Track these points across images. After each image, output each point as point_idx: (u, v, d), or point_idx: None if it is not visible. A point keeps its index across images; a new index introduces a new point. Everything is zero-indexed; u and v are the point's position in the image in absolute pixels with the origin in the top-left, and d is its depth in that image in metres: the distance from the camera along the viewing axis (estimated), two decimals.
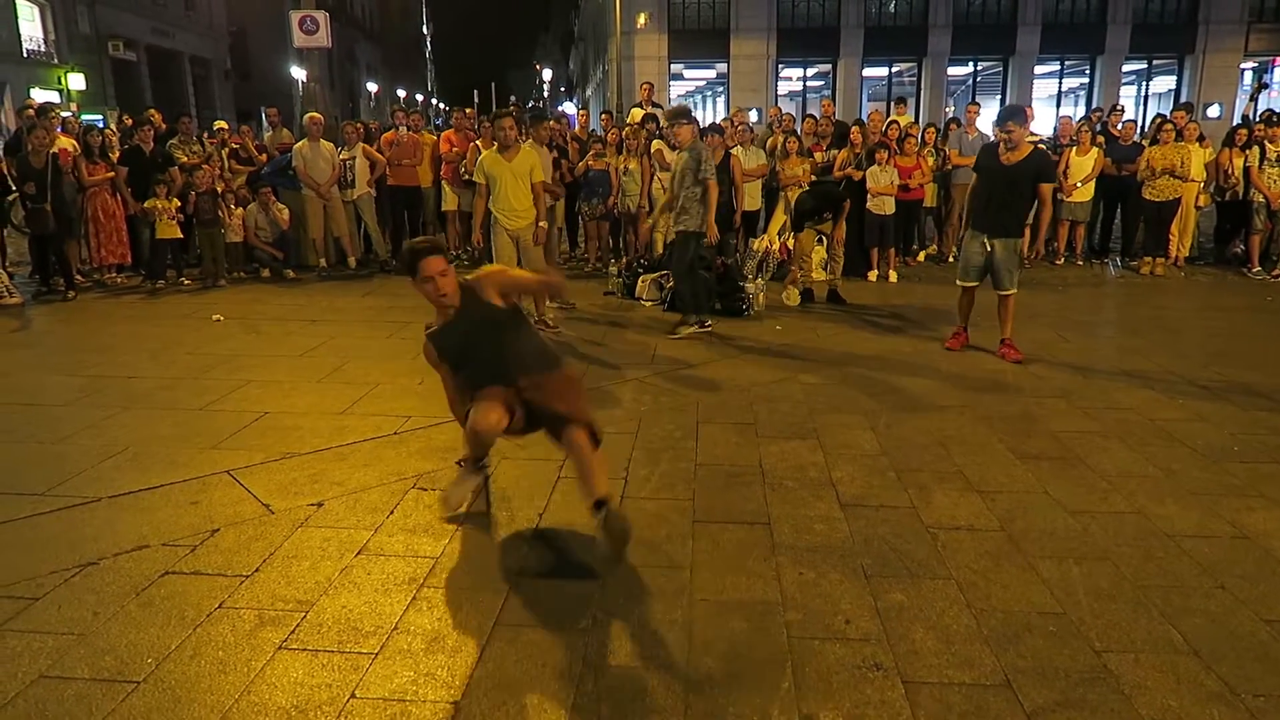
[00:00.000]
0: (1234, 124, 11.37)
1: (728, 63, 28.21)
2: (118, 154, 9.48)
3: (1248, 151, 9.70)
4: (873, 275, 9.43)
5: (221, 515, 3.77)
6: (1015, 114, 6.22)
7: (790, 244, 9.32)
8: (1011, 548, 3.47)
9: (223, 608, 3.04)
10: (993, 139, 6.86)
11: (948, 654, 2.77)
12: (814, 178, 8.86)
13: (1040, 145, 6.79)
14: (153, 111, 11.01)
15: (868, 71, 28.79)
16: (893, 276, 9.42)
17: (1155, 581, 3.20)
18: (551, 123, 11.05)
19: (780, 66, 28.60)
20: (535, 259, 6.97)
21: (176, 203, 9.05)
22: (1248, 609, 3.02)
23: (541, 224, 6.92)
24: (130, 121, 10.61)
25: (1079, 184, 9.91)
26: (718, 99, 30.25)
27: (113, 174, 9.12)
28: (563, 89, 70.49)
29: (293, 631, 2.90)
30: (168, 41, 30.52)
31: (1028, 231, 6.99)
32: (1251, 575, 3.25)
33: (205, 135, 10.98)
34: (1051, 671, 2.68)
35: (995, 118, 6.29)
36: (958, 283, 6.55)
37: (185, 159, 9.59)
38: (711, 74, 30.16)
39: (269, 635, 2.88)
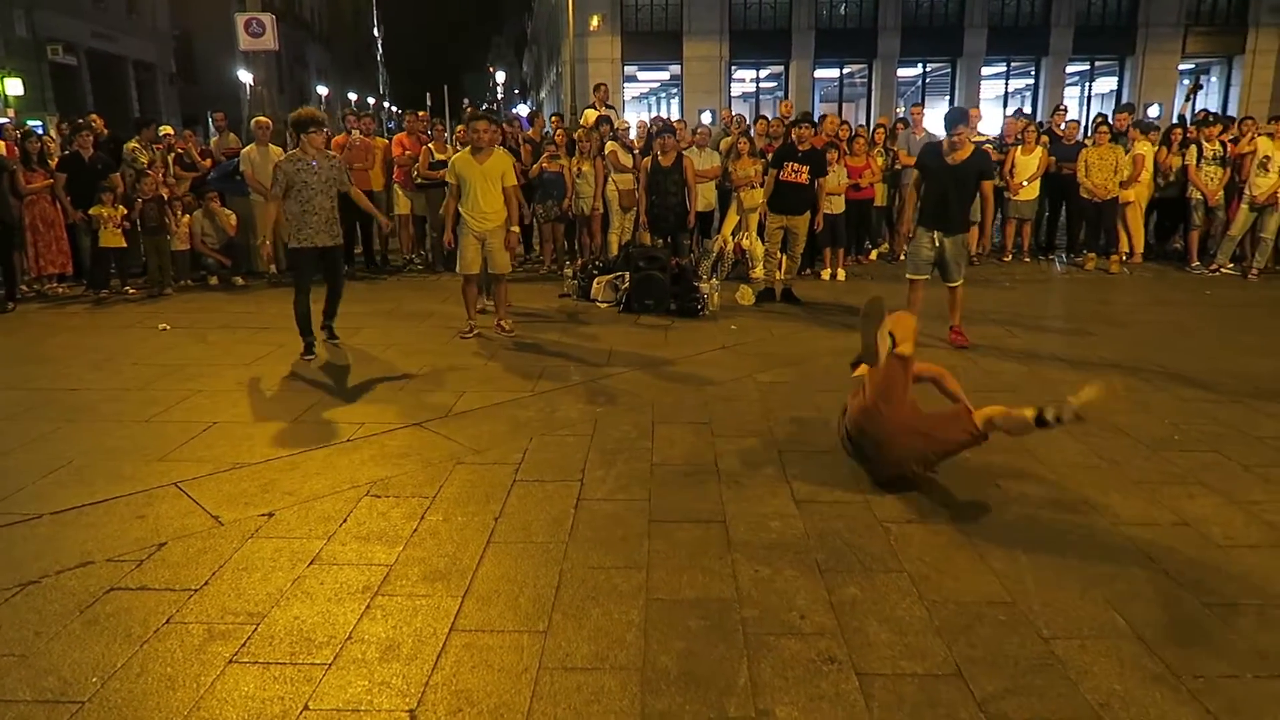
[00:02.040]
0: (1171, 123, 11.70)
1: (681, 65, 28.31)
2: (56, 161, 9.23)
3: (1185, 151, 10.00)
4: (825, 274, 9.55)
5: (169, 528, 3.69)
6: (962, 118, 6.53)
7: (744, 244, 9.40)
8: (963, 539, 3.53)
9: (170, 623, 2.97)
10: (937, 139, 7.07)
11: (901, 645, 2.81)
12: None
13: (985, 145, 7.01)
14: (94, 116, 10.74)
15: (819, 73, 29.09)
16: (841, 275, 9.54)
17: (1100, 569, 3.28)
18: (505, 125, 11.01)
19: (733, 68, 28.77)
20: (501, 262, 6.92)
21: (123, 210, 8.84)
22: (1188, 593, 3.11)
23: (514, 228, 6.89)
24: (69, 127, 10.32)
25: (1025, 183, 10.13)
26: (672, 101, 30.34)
27: (51, 181, 8.87)
28: (516, 91, 70.23)
29: (243, 645, 2.85)
30: (110, 45, 29.74)
31: (976, 228, 7.20)
32: (1191, 560, 3.35)
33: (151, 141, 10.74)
34: (1001, 659, 2.73)
35: (944, 121, 6.53)
36: (907, 276, 6.79)
37: (145, 161, 9.38)
38: (665, 76, 30.24)
39: (219, 649, 2.82)
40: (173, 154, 10.19)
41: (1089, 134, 10.80)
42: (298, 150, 6.55)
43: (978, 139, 10.23)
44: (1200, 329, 7.41)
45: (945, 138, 6.49)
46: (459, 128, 10.18)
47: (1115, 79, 29.47)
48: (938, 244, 6.54)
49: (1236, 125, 11.01)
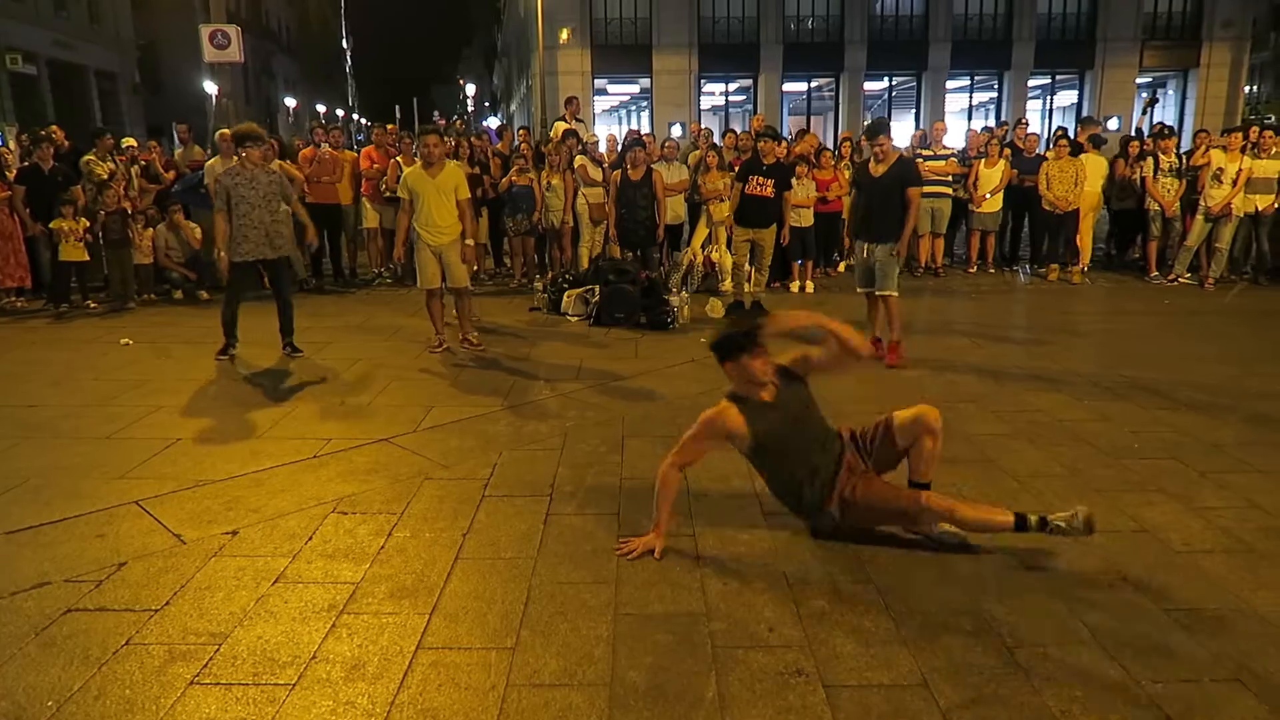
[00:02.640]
0: (1129, 135, 11.96)
1: (650, 78, 28.48)
2: (14, 172, 9.07)
3: (1141, 164, 10.22)
4: (795, 286, 9.62)
5: (129, 548, 3.62)
6: (883, 128, 6.64)
7: (714, 256, 9.45)
8: (928, 550, 3.56)
9: (130, 644, 2.92)
10: (900, 151, 7.13)
11: (867, 657, 2.84)
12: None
13: (905, 154, 7.12)
14: (54, 128, 10.58)
15: (787, 86, 29.40)
16: (810, 287, 9.62)
17: (1062, 577, 3.33)
18: (474, 139, 11.00)
19: (702, 81, 29.00)
20: (458, 275, 6.91)
21: (85, 223, 8.70)
22: (1148, 599, 3.17)
23: (468, 241, 6.88)
24: (27, 140, 10.15)
25: (988, 195, 10.29)
26: (641, 114, 30.49)
27: (9, 193, 8.71)
28: (487, 104, 70.13)
29: (205, 665, 2.80)
30: (71, 54, 29.29)
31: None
32: (1150, 566, 3.41)
33: (115, 152, 10.59)
34: (966, 669, 2.76)
35: (864, 131, 6.67)
36: (857, 290, 6.89)
37: (103, 174, 9.23)
38: (635, 89, 30.39)
39: (179, 671, 2.78)
40: (136, 166, 10.05)
41: (1049, 146, 11.00)
42: (236, 164, 6.62)
43: (943, 152, 10.42)
44: (1159, 337, 7.57)
45: (873, 150, 6.51)
46: (405, 142, 10.17)
47: (1076, 92, 30.10)
48: (868, 255, 6.60)
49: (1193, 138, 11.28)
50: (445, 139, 7.30)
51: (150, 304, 9.11)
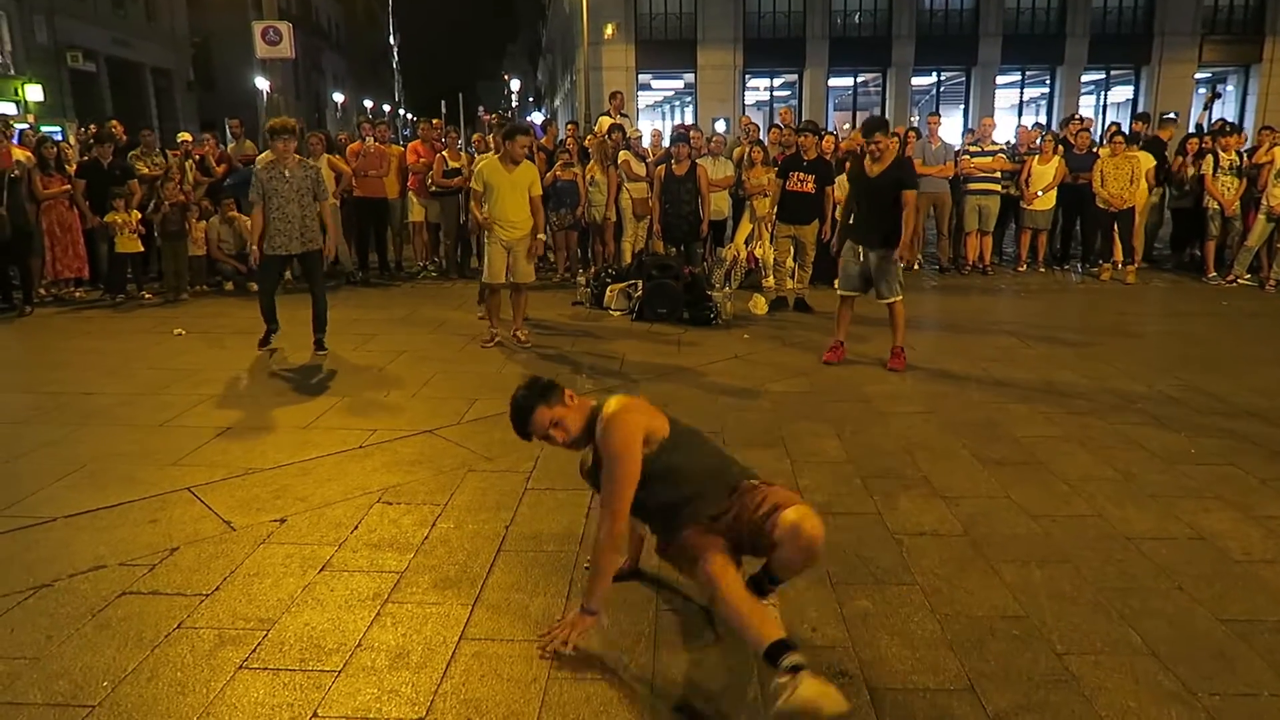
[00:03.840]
0: (1188, 133, 11.63)
1: (695, 73, 28.38)
2: (75, 166, 9.33)
3: (1200, 161, 9.93)
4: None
5: (181, 533, 3.70)
6: (881, 125, 6.27)
7: (758, 252, 9.39)
8: (975, 553, 3.50)
9: (181, 628, 2.98)
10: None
11: (912, 660, 2.79)
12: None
13: (906, 154, 6.69)
14: (114, 124, 10.85)
15: (833, 81, 29.10)
16: None
17: (1114, 583, 3.25)
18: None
19: (747, 77, 28.83)
20: (524, 271, 6.93)
21: (137, 215, 8.92)
22: (1204, 609, 3.08)
23: (540, 236, 6.91)
24: (95, 130, 10.42)
25: (1040, 192, 10.08)
26: (685, 109, 30.42)
27: (68, 186, 8.96)
28: (531, 99, 70.48)
29: (254, 650, 2.85)
30: (128, 52, 30.05)
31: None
32: (1207, 575, 3.31)
33: (165, 149, 10.84)
34: (1014, 675, 2.71)
35: (861, 129, 6.32)
36: (837, 291, 6.54)
37: (147, 170, 9.45)
38: (679, 84, 30.32)
39: (229, 655, 2.83)
40: (190, 160, 10.28)
41: (1103, 143, 10.75)
42: (272, 157, 6.72)
43: (991, 148, 10.23)
44: (1216, 340, 7.35)
45: (868, 148, 6.14)
46: (475, 135, 10.25)
47: (1131, 88, 29.37)
48: (862, 258, 6.26)
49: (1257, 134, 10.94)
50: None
51: (202, 295, 9.31)
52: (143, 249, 9.07)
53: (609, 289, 8.44)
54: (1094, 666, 2.74)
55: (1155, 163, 10.22)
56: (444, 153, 9.98)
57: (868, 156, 6.17)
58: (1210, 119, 13.08)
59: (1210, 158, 9.80)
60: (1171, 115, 12.02)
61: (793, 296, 8.48)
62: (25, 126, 12.07)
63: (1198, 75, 28.16)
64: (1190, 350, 6.92)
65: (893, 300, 6.24)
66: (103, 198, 8.93)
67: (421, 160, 10.07)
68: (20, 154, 9.16)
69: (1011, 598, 3.15)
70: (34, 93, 25.37)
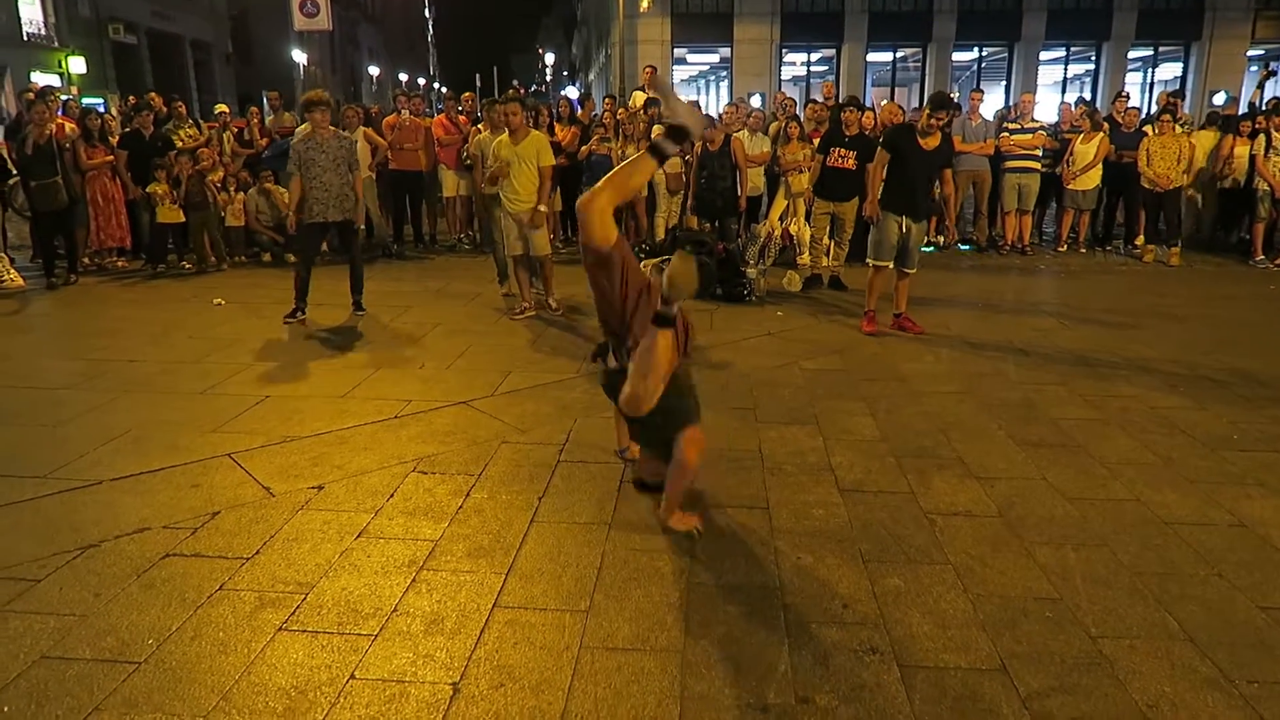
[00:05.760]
0: (1240, 112, 11.30)
1: (731, 47, 28.00)
2: (117, 138, 9.46)
3: (1253, 140, 9.66)
4: None
5: (222, 498, 3.78)
6: (950, 103, 6.47)
7: (793, 229, 9.31)
8: (1009, 534, 3.47)
9: (223, 589, 3.05)
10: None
11: (944, 638, 2.79)
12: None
13: (947, 130, 6.72)
14: (153, 95, 10.98)
15: (872, 57, 28.57)
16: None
17: (1152, 568, 3.21)
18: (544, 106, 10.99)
19: (784, 51, 28.38)
20: (539, 244, 6.99)
21: (168, 187, 9.02)
22: (1244, 596, 3.03)
23: (541, 208, 6.92)
24: (134, 101, 10.55)
25: (1078, 172, 9.85)
26: (721, 84, 30.07)
27: (111, 157, 9.10)
28: (565, 73, 70.15)
29: (293, 613, 2.92)
30: (168, 25, 30.37)
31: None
32: (1248, 563, 3.26)
33: (199, 120, 10.93)
34: (1047, 656, 2.69)
35: (929, 103, 6.37)
36: (870, 263, 6.65)
37: (180, 143, 9.56)
38: (715, 58, 29.95)
39: (269, 617, 2.89)
40: (228, 131, 10.38)
41: (1151, 121, 10.48)
42: (308, 129, 6.96)
43: (1031, 125, 10.02)
44: (1263, 325, 7.18)
45: (931, 123, 6.20)
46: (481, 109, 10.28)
47: (1180, 65, 28.49)
48: (905, 230, 6.36)
49: None
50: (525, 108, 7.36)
51: (240, 266, 9.44)
52: (184, 219, 9.19)
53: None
54: (1129, 651, 2.72)
55: (1217, 141, 9.97)
56: (480, 126, 9.97)
57: (919, 131, 6.22)
58: (1264, 98, 12.68)
59: (1263, 137, 9.53)
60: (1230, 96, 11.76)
61: (827, 274, 8.40)
62: (69, 98, 12.24)
63: (1250, 52, 27.28)
64: (1235, 334, 6.76)
65: (913, 272, 6.56)
66: (144, 169, 9.05)
67: (448, 134, 10.09)
68: (66, 125, 9.31)
69: (1045, 580, 3.13)
70: (77, 65, 25.76)
